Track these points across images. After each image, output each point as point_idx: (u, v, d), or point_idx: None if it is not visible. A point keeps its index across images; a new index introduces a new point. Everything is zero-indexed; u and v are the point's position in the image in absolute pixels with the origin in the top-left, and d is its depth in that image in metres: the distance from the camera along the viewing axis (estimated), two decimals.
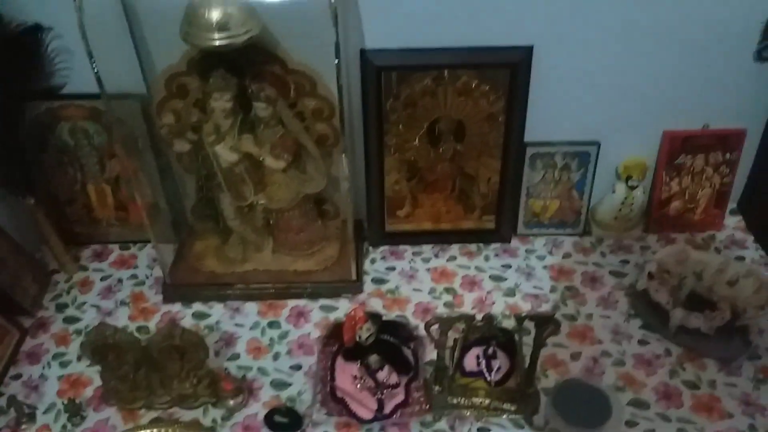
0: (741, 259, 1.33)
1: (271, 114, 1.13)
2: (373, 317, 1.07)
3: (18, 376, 1.14)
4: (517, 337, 1.05)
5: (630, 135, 1.31)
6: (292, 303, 1.27)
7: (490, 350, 1.06)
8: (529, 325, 0.99)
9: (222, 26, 0.99)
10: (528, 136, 1.27)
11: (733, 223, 1.42)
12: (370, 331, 1.05)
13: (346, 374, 1.07)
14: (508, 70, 1.17)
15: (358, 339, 1.05)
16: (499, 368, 1.06)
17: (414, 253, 1.37)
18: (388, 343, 1.09)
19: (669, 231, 1.41)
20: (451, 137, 1.26)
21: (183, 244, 1.35)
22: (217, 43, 1.00)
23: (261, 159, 1.17)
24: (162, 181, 1.32)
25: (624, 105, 1.27)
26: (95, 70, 1.00)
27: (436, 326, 0.99)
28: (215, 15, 0.99)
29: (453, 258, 1.36)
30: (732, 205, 1.44)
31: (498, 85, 1.19)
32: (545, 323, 0.98)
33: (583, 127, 1.29)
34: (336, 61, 1.00)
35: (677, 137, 1.31)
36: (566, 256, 1.36)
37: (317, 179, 1.23)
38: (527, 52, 1.16)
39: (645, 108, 1.28)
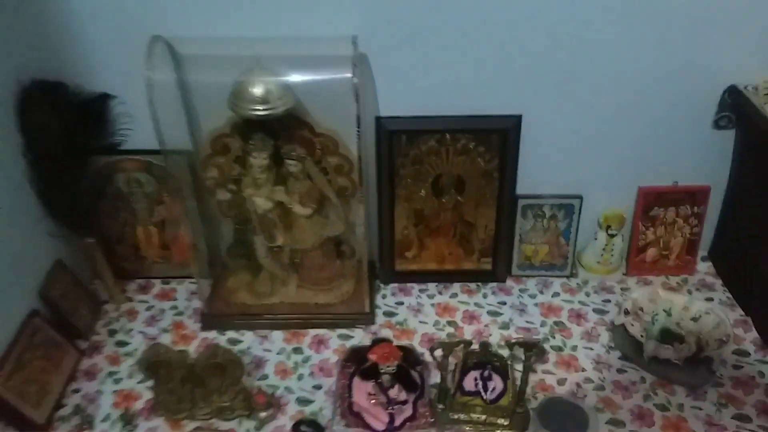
0: (710, 300, 1.51)
1: (300, 169, 1.34)
2: (405, 352, 1.25)
3: (77, 391, 1.32)
4: (509, 361, 1.23)
5: (609, 190, 1.51)
6: (313, 332, 1.45)
7: (486, 373, 1.24)
8: (519, 352, 1.17)
9: (264, 100, 1.21)
10: (519, 190, 1.48)
11: (704, 268, 1.60)
12: (395, 363, 1.22)
13: (362, 391, 1.25)
14: (501, 135, 1.39)
15: (381, 368, 1.22)
16: (494, 389, 1.23)
17: (420, 290, 1.56)
18: (399, 366, 1.26)
19: (647, 274, 1.59)
20: (453, 190, 1.47)
21: (218, 279, 1.55)
22: (260, 113, 1.22)
23: (290, 207, 1.38)
24: (203, 224, 1.52)
25: (603, 164, 1.48)
26: (159, 133, 1.21)
27: (439, 351, 1.17)
28: (258, 91, 1.21)
29: (455, 295, 1.54)
30: (703, 252, 1.62)
31: (492, 147, 1.40)
32: (531, 348, 1.16)
33: (567, 182, 1.50)
34: (357, 130, 1.21)
35: (651, 192, 1.51)
36: (555, 295, 1.54)
37: (337, 224, 1.44)
38: (517, 120, 1.38)
39: (622, 167, 1.48)
